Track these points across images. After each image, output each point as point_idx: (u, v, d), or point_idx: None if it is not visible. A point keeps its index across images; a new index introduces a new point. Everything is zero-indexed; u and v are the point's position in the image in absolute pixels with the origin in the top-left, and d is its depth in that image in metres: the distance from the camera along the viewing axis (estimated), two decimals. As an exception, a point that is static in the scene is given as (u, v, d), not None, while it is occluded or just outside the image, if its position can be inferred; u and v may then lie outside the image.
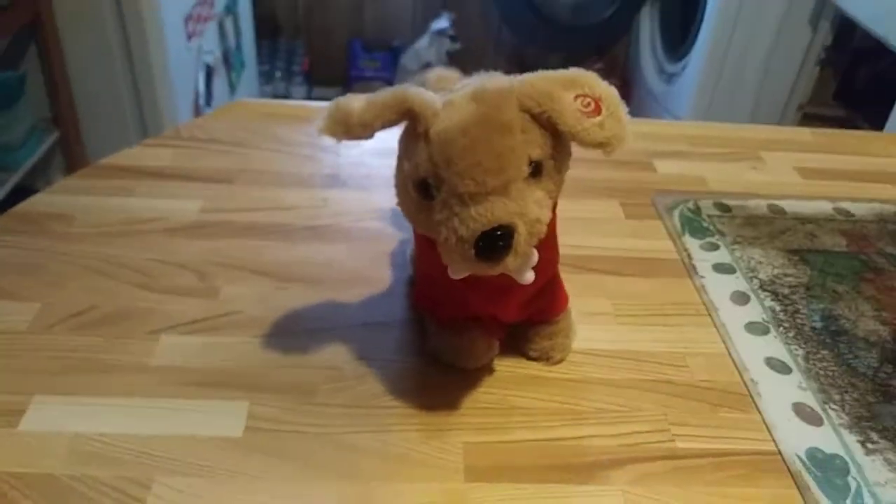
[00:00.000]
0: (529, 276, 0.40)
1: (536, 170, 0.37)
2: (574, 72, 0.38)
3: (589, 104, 0.37)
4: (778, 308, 0.55)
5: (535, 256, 0.39)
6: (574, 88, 0.37)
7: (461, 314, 0.47)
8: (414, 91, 0.38)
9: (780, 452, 0.44)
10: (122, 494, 0.39)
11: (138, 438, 0.42)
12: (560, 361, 0.49)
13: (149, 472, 0.40)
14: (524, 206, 0.36)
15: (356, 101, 0.38)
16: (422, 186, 0.38)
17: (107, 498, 0.39)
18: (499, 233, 0.35)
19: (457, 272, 0.39)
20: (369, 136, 0.38)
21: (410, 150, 0.39)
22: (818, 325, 0.53)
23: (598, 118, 0.37)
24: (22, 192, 0.58)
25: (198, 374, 0.46)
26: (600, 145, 0.37)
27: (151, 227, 0.60)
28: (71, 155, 1.86)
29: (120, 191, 0.64)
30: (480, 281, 0.40)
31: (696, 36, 1.93)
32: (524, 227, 0.36)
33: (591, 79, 0.38)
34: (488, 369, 0.48)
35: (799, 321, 0.54)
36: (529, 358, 0.49)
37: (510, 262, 0.36)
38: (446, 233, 0.36)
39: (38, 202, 0.63)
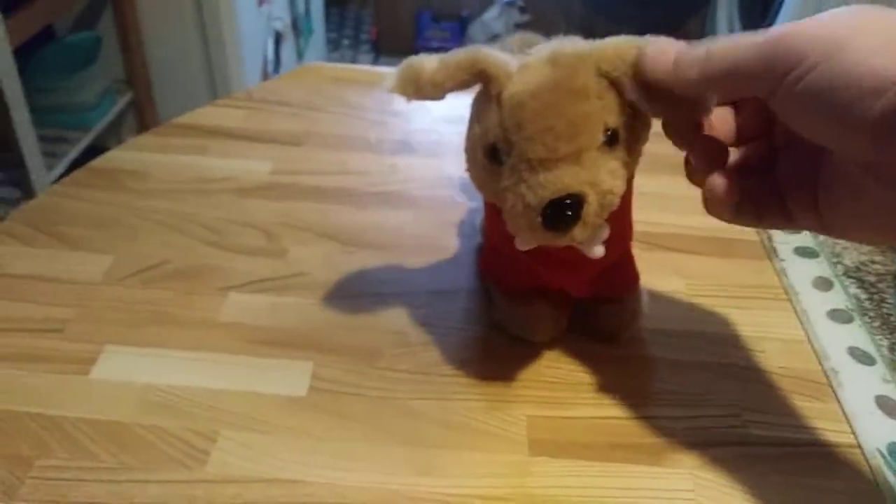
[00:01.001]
0: (599, 251, 0.38)
1: (612, 138, 0.35)
2: (654, 38, 0.36)
3: None
4: (863, 296, 0.52)
5: (607, 230, 0.38)
6: None
7: (528, 286, 0.46)
8: (488, 52, 0.36)
9: (859, 445, 0.42)
10: (187, 446, 0.39)
11: (205, 392, 0.42)
12: (625, 341, 0.47)
13: (214, 426, 0.41)
14: (596, 176, 0.35)
15: (428, 61, 0.37)
16: (491, 151, 0.37)
17: (173, 448, 0.39)
18: (568, 202, 0.34)
19: (523, 242, 0.37)
20: (440, 96, 0.37)
21: (482, 114, 0.37)
22: (906, 315, 0.51)
23: None
24: (96, 151, 0.60)
25: (264, 332, 0.47)
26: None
27: (222, 187, 0.60)
28: (143, 116, 1.91)
29: (192, 149, 0.65)
30: (548, 253, 0.39)
31: (777, 13, 1.85)
32: (595, 198, 0.34)
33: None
34: (554, 343, 0.47)
35: (885, 310, 0.51)
36: (596, 337, 0.48)
37: (578, 234, 0.35)
38: (513, 200, 0.35)
39: (113, 158, 0.64)
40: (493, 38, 2.35)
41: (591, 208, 0.34)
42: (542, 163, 0.34)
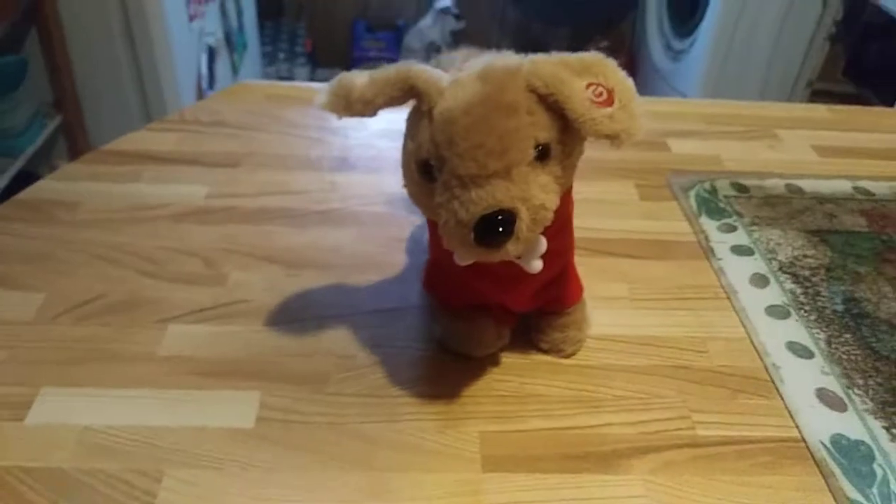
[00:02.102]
0: (537, 265, 0.38)
1: (543, 153, 0.36)
2: (590, 57, 0.36)
3: (601, 94, 0.35)
4: (798, 291, 0.53)
5: (544, 244, 0.38)
6: (587, 75, 0.35)
7: (470, 301, 0.46)
8: (418, 68, 0.36)
9: (803, 439, 0.43)
10: (132, 488, 0.38)
11: (148, 430, 0.41)
12: (571, 355, 0.48)
13: (159, 465, 0.39)
14: (527, 191, 0.35)
15: (359, 78, 0.37)
16: (424, 167, 0.36)
17: (117, 491, 0.38)
18: (499, 217, 0.34)
19: (461, 258, 0.37)
20: (371, 113, 0.37)
21: (414, 129, 0.37)
22: (840, 307, 0.52)
23: (609, 109, 0.35)
24: (25, 177, 0.58)
25: (207, 363, 0.45)
26: (608, 137, 0.35)
27: (158, 214, 0.59)
28: (74, 139, 1.85)
29: (125, 176, 0.63)
30: (488, 268, 0.39)
31: (704, 12, 1.90)
32: (527, 213, 0.34)
33: (606, 67, 0.36)
34: (502, 357, 0.47)
35: (820, 304, 0.52)
36: (540, 350, 0.48)
37: (511, 249, 0.35)
38: (446, 216, 0.35)
39: (42, 189, 0.61)
40: (430, 46, 2.36)
41: (523, 223, 0.34)
42: (474, 179, 0.34)
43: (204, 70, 1.97)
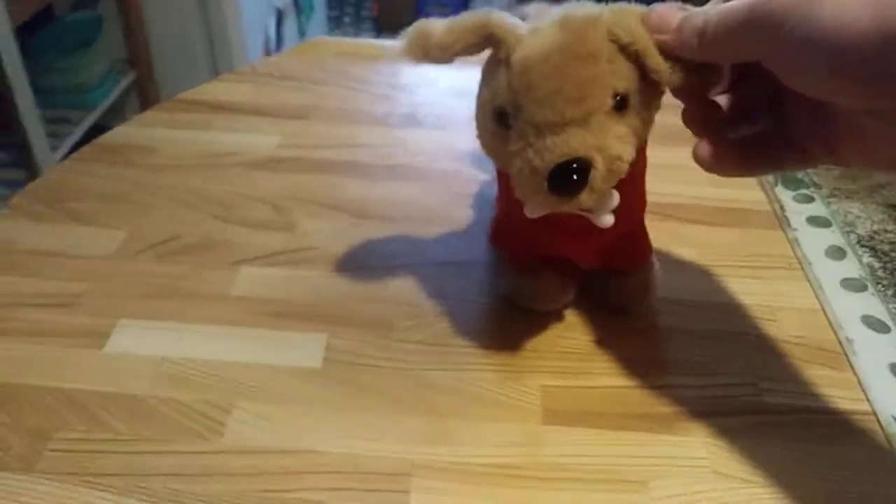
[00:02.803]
0: (608, 220, 0.38)
1: (622, 103, 0.35)
2: (672, 7, 0.36)
3: None
4: (877, 265, 0.52)
5: (616, 198, 0.37)
6: None
7: (537, 256, 0.46)
8: (497, 15, 0.36)
9: (874, 413, 0.42)
10: (203, 417, 0.39)
11: (220, 364, 0.42)
12: (638, 314, 0.47)
13: (230, 398, 0.41)
14: (604, 140, 0.34)
15: (437, 24, 0.37)
16: (499, 115, 0.36)
17: (189, 420, 0.39)
18: (574, 166, 0.33)
19: (532, 209, 0.37)
20: (448, 60, 0.37)
21: (491, 77, 0.37)
22: (919, 284, 0.50)
23: None
24: (99, 130, 0.59)
25: (277, 305, 0.47)
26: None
27: (230, 161, 0.60)
28: (146, 96, 1.90)
29: (198, 124, 0.65)
30: (557, 222, 0.39)
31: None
32: (603, 163, 0.34)
33: None
34: (567, 314, 0.47)
35: (899, 279, 0.51)
36: (606, 308, 0.47)
37: (585, 199, 0.34)
38: (520, 164, 0.35)
39: (119, 134, 0.63)
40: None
41: (598, 174, 0.34)
42: (550, 126, 0.34)
43: (272, 33, 1.99)
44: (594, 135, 0.34)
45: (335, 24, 2.44)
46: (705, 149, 0.36)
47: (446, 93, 0.71)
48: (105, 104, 1.76)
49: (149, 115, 0.66)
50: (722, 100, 0.37)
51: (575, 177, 0.34)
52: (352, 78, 0.74)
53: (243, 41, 1.86)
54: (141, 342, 0.44)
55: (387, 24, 2.47)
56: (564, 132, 0.34)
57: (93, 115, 1.71)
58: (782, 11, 0.29)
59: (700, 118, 0.37)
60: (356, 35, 2.43)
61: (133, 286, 0.47)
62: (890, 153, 0.31)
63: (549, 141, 0.34)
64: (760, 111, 0.37)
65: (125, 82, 1.85)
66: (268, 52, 1.97)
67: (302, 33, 2.19)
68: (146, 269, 0.49)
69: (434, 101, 0.70)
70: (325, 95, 0.70)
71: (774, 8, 0.29)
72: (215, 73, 1.85)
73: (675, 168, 0.60)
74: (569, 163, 0.33)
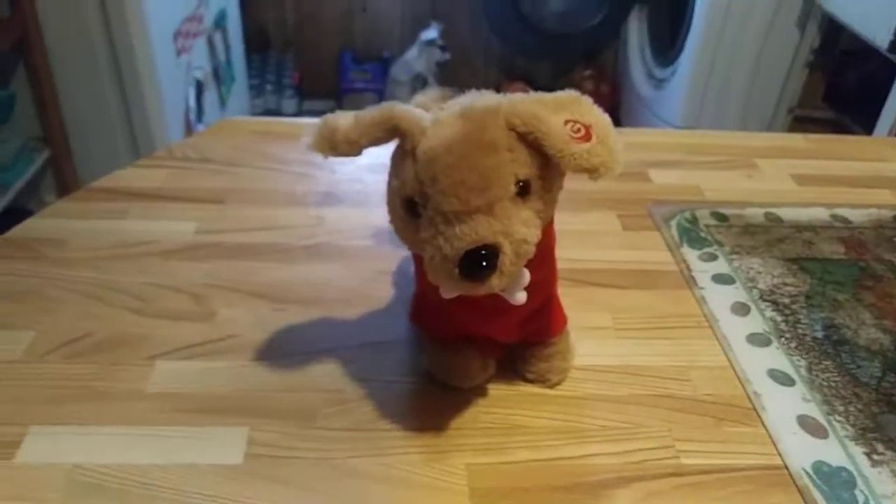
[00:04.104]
0: (521, 297, 0.39)
1: (524, 189, 0.37)
2: (566, 96, 0.38)
3: (579, 130, 0.36)
4: (779, 318, 0.54)
5: (527, 277, 0.39)
6: (564, 112, 0.37)
7: (456, 333, 0.46)
8: (401, 108, 0.38)
9: (786, 466, 0.44)
10: (121, 527, 0.38)
11: (138, 468, 0.41)
12: (557, 384, 0.48)
13: (151, 503, 0.39)
14: (509, 226, 0.36)
15: (343, 119, 0.38)
16: (409, 204, 0.37)
17: (106, 531, 0.38)
18: (483, 252, 0.35)
19: (446, 292, 0.38)
20: (356, 153, 0.38)
21: (398, 168, 0.38)
22: (819, 334, 0.53)
23: (587, 144, 0.36)
24: (13, 212, 0.58)
25: (196, 400, 0.46)
26: (587, 171, 0.36)
27: (146, 250, 0.59)
28: (62, 173, 1.85)
29: (113, 213, 0.64)
30: (473, 301, 0.40)
31: (684, 41, 1.93)
32: (510, 247, 0.35)
33: (582, 105, 0.37)
34: (488, 389, 0.48)
35: (800, 331, 0.53)
36: (526, 380, 0.48)
37: (495, 283, 0.36)
38: (431, 251, 0.36)
39: (29, 227, 0.62)
40: (416, 77, 2.38)
41: (506, 258, 0.35)
42: (457, 215, 0.35)
43: (192, 103, 1.98)
44: (500, 221, 0.35)
45: (256, 92, 2.44)
46: None
47: (364, 169, 0.72)
48: (19, 184, 1.71)
49: (59, 205, 0.65)
50: None
51: (484, 263, 0.35)
52: (269, 157, 0.74)
53: (162, 114, 1.84)
54: (53, 450, 0.42)
55: (309, 90, 2.49)
56: (472, 220, 0.35)
57: (7, 195, 1.66)
58: None
59: None
60: (278, 102, 2.44)
61: (42, 390, 0.46)
62: None
63: (457, 229, 0.35)
64: None
65: (40, 160, 1.80)
66: (188, 124, 1.96)
67: (223, 103, 2.19)
68: (56, 370, 0.47)
69: (352, 178, 0.71)
70: (241, 177, 0.70)
71: None
72: (134, 146, 1.83)
73: (584, 233, 0.62)
74: (477, 250, 0.35)
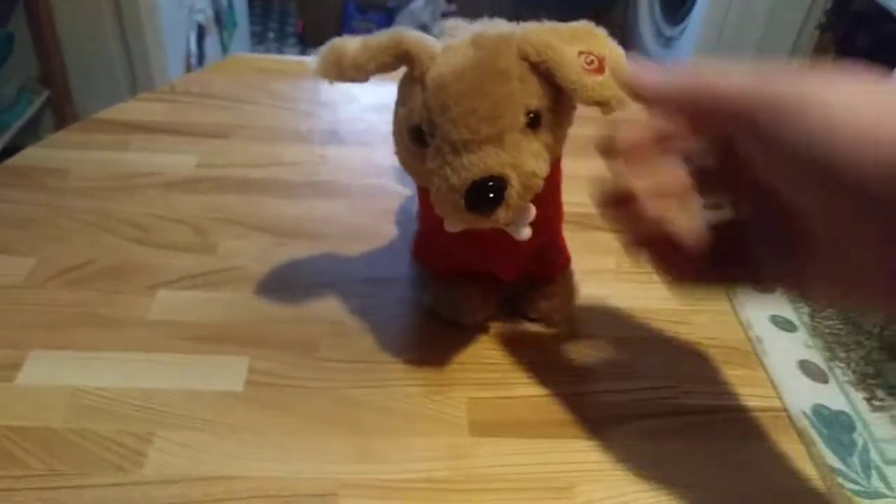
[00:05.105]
0: (526, 233, 0.38)
1: (534, 121, 0.36)
2: (581, 27, 0.37)
3: (592, 62, 0.35)
4: (783, 266, 0.54)
5: (533, 212, 0.38)
6: (578, 44, 0.36)
7: (458, 269, 0.46)
8: (411, 34, 0.37)
9: (786, 409, 0.44)
10: (122, 448, 0.38)
11: (138, 392, 0.41)
12: (559, 324, 0.48)
13: (150, 427, 0.40)
14: (518, 158, 0.35)
15: (351, 43, 0.37)
16: (416, 133, 0.37)
17: (107, 451, 0.38)
18: (490, 183, 0.34)
19: (451, 224, 0.38)
20: (363, 79, 0.37)
21: (406, 95, 0.37)
22: (823, 283, 0.53)
23: (600, 77, 0.35)
24: (13, 151, 0.57)
25: (196, 328, 0.46)
26: (598, 104, 0.35)
27: (147, 182, 0.58)
28: (62, 115, 1.84)
29: (114, 145, 0.63)
30: (476, 236, 0.39)
31: (694, 2, 1.90)
32: (518, 180, 0.35)
33: (597, 36, 0.36)
34: (490, 327, 0.48)
35: (804, 279, 0.53)
36: (529, 319, 0.48)
37: (502, 215, 0.35)
38: (438, 182, 0.35)
39: (30, 156, 0.61)
40: (421, 28, 2.35)
41: (513, 190, 0.35)
42: (465, 144, 0.34)
43: (193, 47, 1.96)
44: (509, 152, 0.35)
45: (258, 39, 2.41)
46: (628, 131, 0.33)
47: (368, 109, 0.71)
48: (18, 125, 1.69)
49: (61, 135, 0.64)
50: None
51: (491, 194, 0.34)
52: (273, 95, 0.73)
53: (164, 57, 1.82)
54: (54, 373, 0.42)
55: (312, 40, 2.45)
56: (480, 150, 0.34)
57: (6, 136, 1.65)
58: (796, 95, 0.26)
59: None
60: (280, 50, 2.41)
61: (44, 315, 0.46)
62: (867, 284, 0.28)
63: (465, 159, 0.34)
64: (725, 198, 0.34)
65: (39, 102, 1.78)
66: (189, 68, 1.94)
67: (225, 49, 2.16)
68: (57, 296, 0.47)
69: (356, 118, 0.70)
70: (245, 113, 0.69)
71: (789, 90, 0.27)
72: (135, 90, 1.81)
73: (590, 179, 0.62)
74: (485, 180, 0.34)
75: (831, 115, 0.25)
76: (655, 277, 0.52)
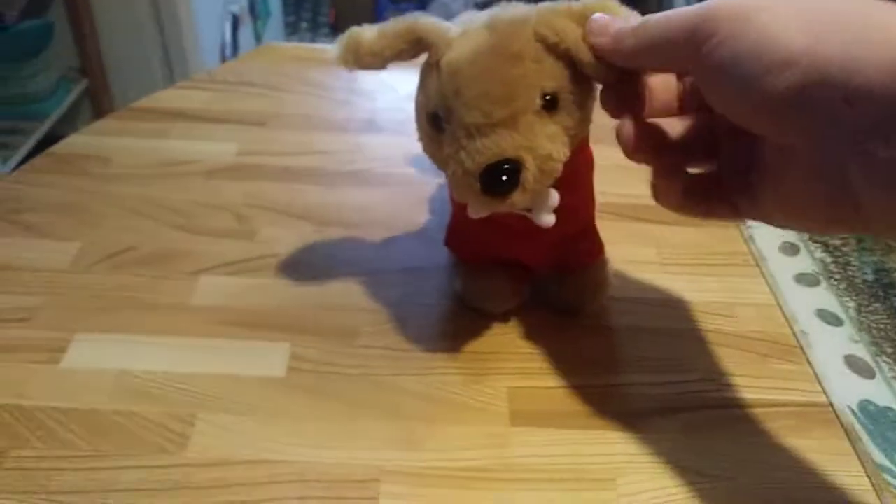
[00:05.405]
0: (549, 219, 0.38)
1: (551, 103, 0.35)
2: (596, 2, 0.35)
3: None
4: (828, 259, 0.53)
5: (555, 197, 0.37)
6: None
7: (487, 257, 0.46)
8: (426, 20, 0.36)
9: (831, 404, 0.43)
10: (166, 430, 0.39)
11: (181, 376, 0.42)
12: (590, 314, 0.47)
13: (192, 410, 0.40)
14: (534, 140, 0.34)
15: (368, 31, 0.37)
16: (433, 119, 0.36)
17: (151, 433, 0.39)
18: (505, 167, 0.34)
19: (473, 210, 0.37)
20: (381, 66, 0.37)
21: (424, 82, 0.37)
22: (870, 277, 0.52)
23: None
24: (51, 141, 0.58)
25: (238, 314, 0.46)
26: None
27: (188, 169, 0.59)
28: (99, 104, 1.86)
29: (155, 133, 0.64)
30: (503, 222, 0.39)
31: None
32: (533, 163, 0.34)
33: (611, 7, 0.35)
34: (528, 316, 0.47)
35: (850, 273, 0.52)
36: (559, 309, 0.48)
37: (517, 199, 0.35)
38: (454, 166, 0.35)
39: (73, 143, 0.62)
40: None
41: (529, 174, 0.34)
42: (479, 128, 0.34)
43: (228, 38, 1.97)
44: (523, 135, 0.34)
45: (292, 29, 2.42)
46: (629, 128, 0.35)
47: (405, 98, 0.71)
48: (57, 114, 1.72)
49: (102, 123, 0.65)
50: (678, 128, 0.37)
51: (505, 177, 0.34)
52: (310, 83, 0.73)
53: (198, 47, 1.84)
54: (99, 356, 0.43)
55: (344, 30, 2.46)
56: (494, 133, 0.34)
57: (45, 124, 1.68)
58: (722, 20, 0.28)
59: (637, 138, 0.36)
60: (313, 41, 2.41)
61: (89, 299, 0.46)
62: (801, 207, 0.30)
63: (479, 143, 0.34)
64: (706, 148, 0.36)
65: (77, 91, 1.81)
66: (224, 59, 1.95)
67: (258, 39, 2.17)
68: (102, 280, 0.48)
69: (393, 107, 0.70)
70: (283, 101, 0.70)
71: (718, 15, 0.28)
72: (171, 80, 1.83)
73: (630, 168, 0.61)
74: (499, 163, 0.34)
75: (763, 31, 0.26)
76: (697, 269, 0.52)
